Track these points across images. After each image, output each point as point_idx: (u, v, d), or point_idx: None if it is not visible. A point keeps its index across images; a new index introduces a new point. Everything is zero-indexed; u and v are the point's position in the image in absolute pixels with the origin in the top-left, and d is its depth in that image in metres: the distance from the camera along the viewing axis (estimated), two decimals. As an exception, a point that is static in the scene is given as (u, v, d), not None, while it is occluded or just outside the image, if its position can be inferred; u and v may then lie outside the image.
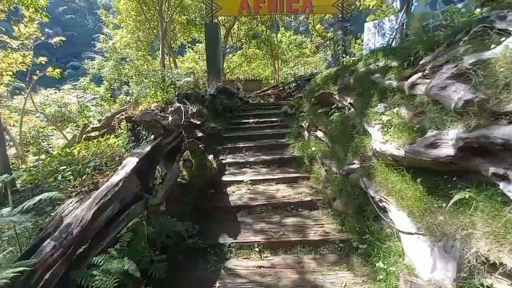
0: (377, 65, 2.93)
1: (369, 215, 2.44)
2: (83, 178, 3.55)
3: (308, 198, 3.25)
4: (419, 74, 2.28)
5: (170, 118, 4.08)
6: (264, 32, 18.86)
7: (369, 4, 17.83)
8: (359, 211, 2.56)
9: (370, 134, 2.56)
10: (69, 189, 3.18)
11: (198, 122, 4.41)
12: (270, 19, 18.01)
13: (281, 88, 13.58)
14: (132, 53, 21.11)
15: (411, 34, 3.78)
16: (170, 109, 3.95)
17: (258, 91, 14.84)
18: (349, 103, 3.32)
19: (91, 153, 5.26)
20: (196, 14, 17.66)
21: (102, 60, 21.95)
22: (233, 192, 3.59)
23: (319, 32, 19.65)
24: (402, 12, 5.48)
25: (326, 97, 4.00)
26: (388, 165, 2.28)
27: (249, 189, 3.63)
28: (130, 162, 2.11)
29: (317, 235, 2.65)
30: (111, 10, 19.38)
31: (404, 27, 5.63)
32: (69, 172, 3.58)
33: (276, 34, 19.86)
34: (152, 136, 2.94)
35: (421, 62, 2.30)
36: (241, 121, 7.09)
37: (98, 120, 9.04)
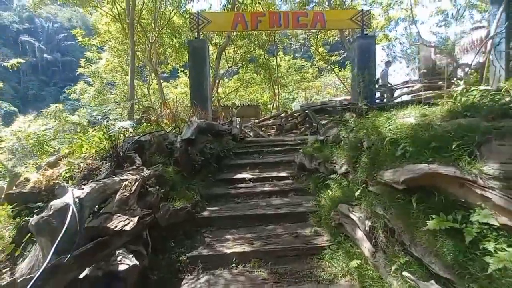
0: None
1: None
2: None
3: None
4: None
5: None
6: (262, 56, 17.11)
7: (377, 25, 16.42)
8: None
9: None
10: None
11: (128, 228, 1.93)
12: (269, 41, 16.34)
13: (284, 117, 11.32)
14: (118, 77, 19.25)
15: None
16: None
17: (256, 121, 12.54)
18: None
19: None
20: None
21: (84, 85, 19.89)
22: None
23: (322, 55, 17.92)
24: (499, 13, 3.24)
25: (437, 183, 1.56)
26: None
27: None
28: None
29: None
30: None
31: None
32: None
33: (276, 58, 18.13)
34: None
35: None
36: (232, 178, 4.59)
37: (36, 167, 6.47)
